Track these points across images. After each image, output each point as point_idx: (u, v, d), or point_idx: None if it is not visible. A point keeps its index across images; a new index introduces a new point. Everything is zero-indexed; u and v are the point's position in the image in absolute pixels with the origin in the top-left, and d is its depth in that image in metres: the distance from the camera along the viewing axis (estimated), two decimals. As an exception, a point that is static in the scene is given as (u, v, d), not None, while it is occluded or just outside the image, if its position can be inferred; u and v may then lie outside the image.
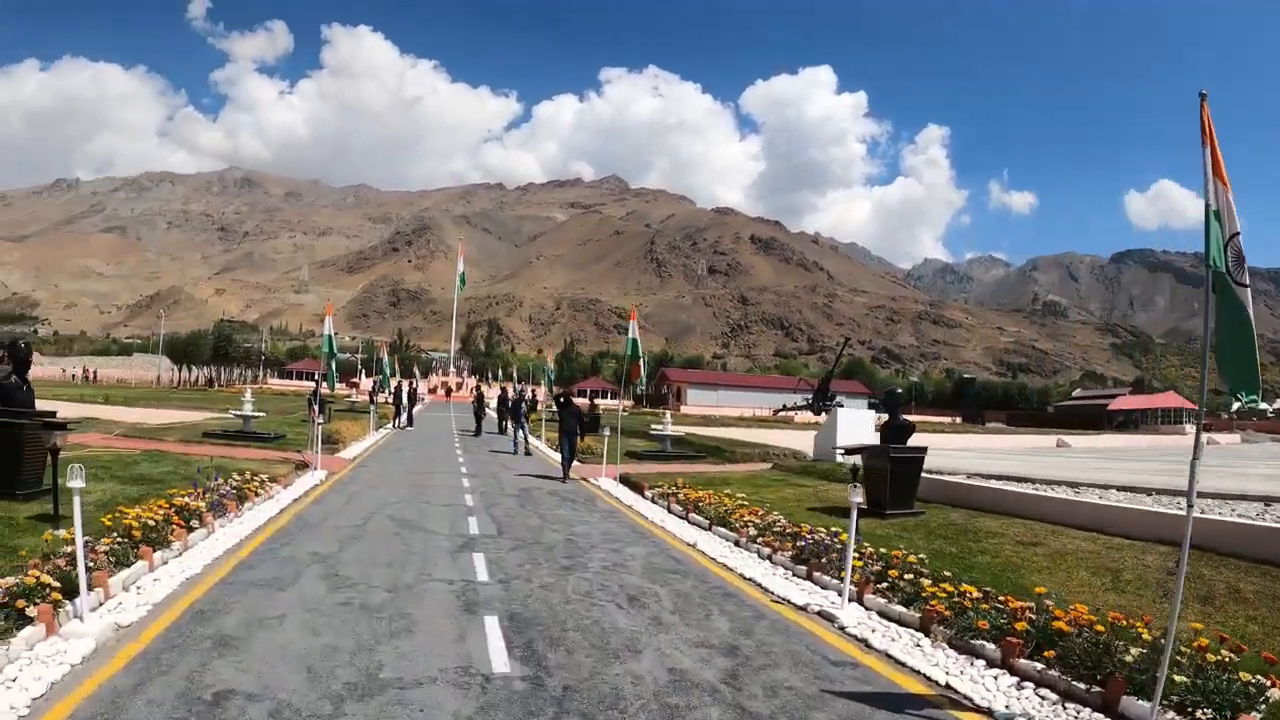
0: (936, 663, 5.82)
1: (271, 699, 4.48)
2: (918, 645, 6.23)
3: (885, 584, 7.41)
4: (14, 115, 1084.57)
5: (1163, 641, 4.69)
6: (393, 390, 35.76)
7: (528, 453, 22.65)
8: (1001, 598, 6.58)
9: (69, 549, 6.01)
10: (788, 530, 9.88)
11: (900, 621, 6.81)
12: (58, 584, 5.60)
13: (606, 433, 17.93)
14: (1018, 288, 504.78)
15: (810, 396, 64.71)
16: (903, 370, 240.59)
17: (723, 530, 10.90)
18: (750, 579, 8.32)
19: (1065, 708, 5.03)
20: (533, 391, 44.36)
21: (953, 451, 25.50)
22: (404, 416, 31.80)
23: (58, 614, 5.41)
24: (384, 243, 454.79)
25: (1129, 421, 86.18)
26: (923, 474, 12.44)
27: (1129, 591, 7.43)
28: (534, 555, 8.92)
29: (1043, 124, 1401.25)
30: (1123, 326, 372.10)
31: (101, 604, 6.08)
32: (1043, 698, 5.18)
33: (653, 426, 26.26)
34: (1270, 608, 6.90)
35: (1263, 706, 4.60)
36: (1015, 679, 5.50)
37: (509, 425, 26.73)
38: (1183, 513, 9.64)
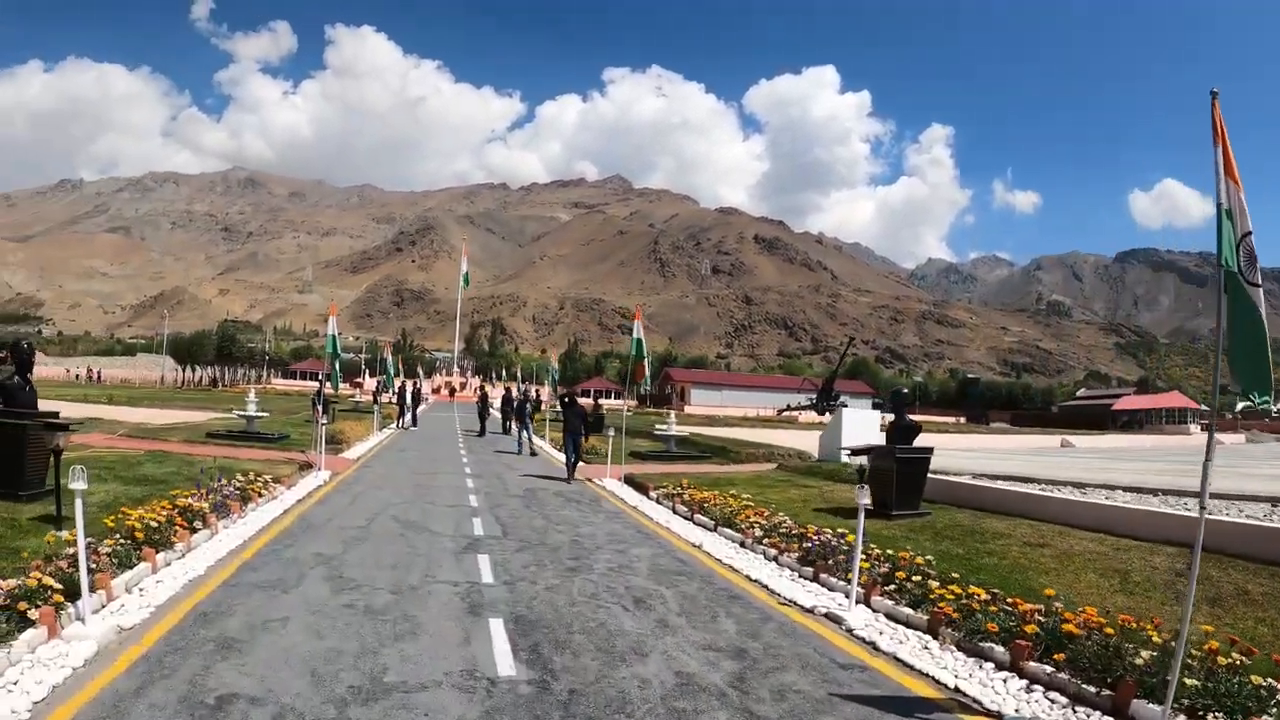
0: (945, 665, 5.77)
1: (275, 703, 4.44)
2: (926, 648, 6.18)
3: (893, 586, 7.36)
4: (18, 116, 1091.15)
5: (1174, 644, 4.65)
6: (397, 390, 35.77)
7: (533, 453, 22.62)
8: (1010, 600, 6.53)
9: (71, 550, 5.99)
10: (794, 531, 9.84)
11: (908, 624, 6.76)
12: (60, 586, 5.57)
13: (611, 433, 17.87)
14: (1022, 287, 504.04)
15: (814, 396, 64.85)
16: (907, 370, 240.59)
17: (728, 531, 10.85)
18: (757, 580, 8.27)
19: (1075, 711, 4.98)
20: (536, 391, 44.30)
21: (957, 452, 25.41)
22: (408, 416, 31.81)
23: (59, 616, 5.39)
24: (388, 243, 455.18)
25: (1133, 421, 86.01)
26: (928, 474, 12.38)
27: (1138, 593, 7.37)
28: (539, 557, 8.89)
29: (1046, 123, 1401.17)
30: (1127, 326, 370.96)
31: (104, 606, 6.05)
32: (1053, 701, 5.13)
33: (657, 427, 26.19)
34: (1279, 609, 6.83)
35: (1274, 710, 4.55)
36: (1025, 682, 5.44)
37: (513, 425, 26.71)
38: (1190, 513, 9.68)
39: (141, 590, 6.61)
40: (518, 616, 6.42)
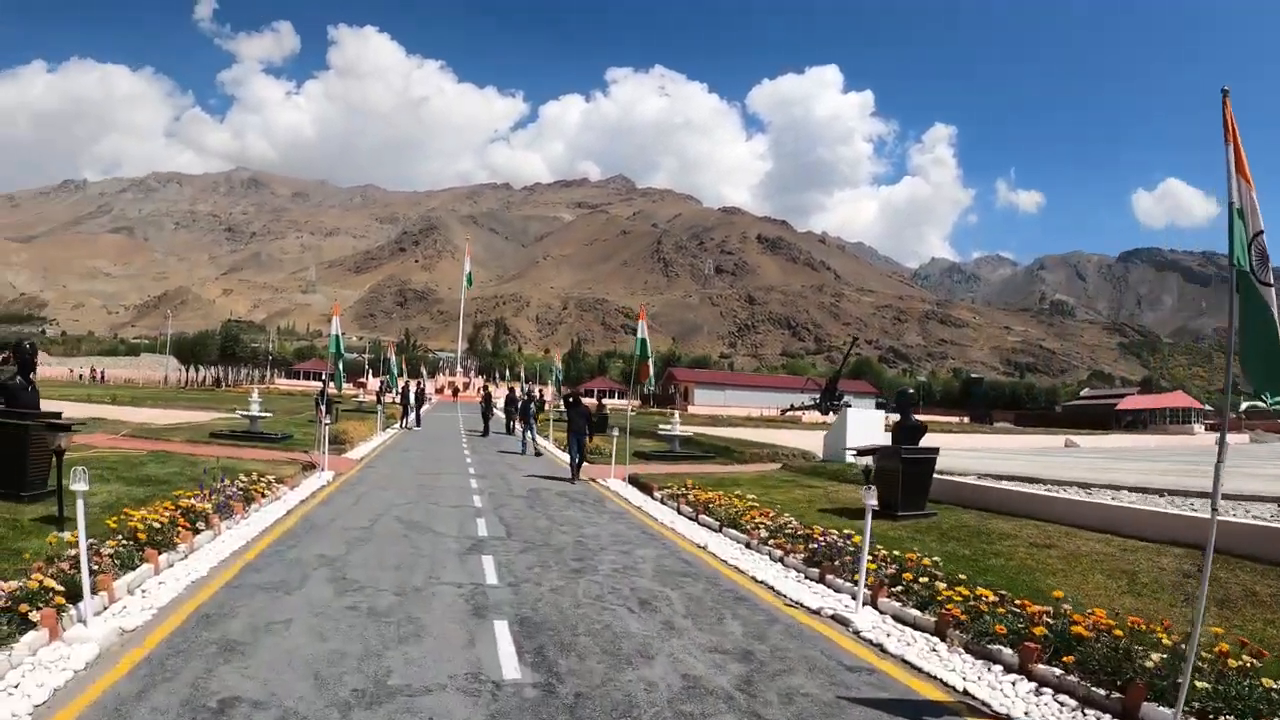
0: (953, 668, 5.73)
1: (278, 706, 4.41)
2: (934, 650, 6.13)
3: (900, 587, 7.31)
4: (21, 117, 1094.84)
5: (1184, 647, 4.60)
6: (400, 390, 35.75)
7: (537, 453, 22.59)
8: (1018, 601, 6.48)
9: (73, 552, 5.95)
10: (800, 532, 9.78)
11: (915, 625, 6.71)
12: (61, 588, 5.55)
13: (615, 433, 17.84)
14: (1025, 287, 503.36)
15: (818, 396, 64.83)
16: (910, 370, 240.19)
17: (733, 532, 10.80)
18: (762, 582, 8.23)
19: (1085, 714, 4.94)
20: (539, 391, 44.30)
21: (961, 452, 25.33)
22: (411, 417, 31.84)
23: (61, 618, 5.35)
24: (391, 243, 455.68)
25: (1137, 421, 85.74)
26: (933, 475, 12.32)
27: (1146, 595, 7.31)
28: (543, 558, 8.85)
29: (1049, 122, 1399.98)
30: (1130, 326, 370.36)
31: (106, 608, 6.02)
32: (1062, 704, 5.08)
33: (661, 426, 26.16)
34: (1289, 611, 6.77)
35: (1287, 714, 4.49)
36: (1033, 684, 5.40)
37: (516, 426, 26.65)
38: (1196, 514, 9.61)
39: (144, 592, 6.58)
40: (522, 618, 6.38)
